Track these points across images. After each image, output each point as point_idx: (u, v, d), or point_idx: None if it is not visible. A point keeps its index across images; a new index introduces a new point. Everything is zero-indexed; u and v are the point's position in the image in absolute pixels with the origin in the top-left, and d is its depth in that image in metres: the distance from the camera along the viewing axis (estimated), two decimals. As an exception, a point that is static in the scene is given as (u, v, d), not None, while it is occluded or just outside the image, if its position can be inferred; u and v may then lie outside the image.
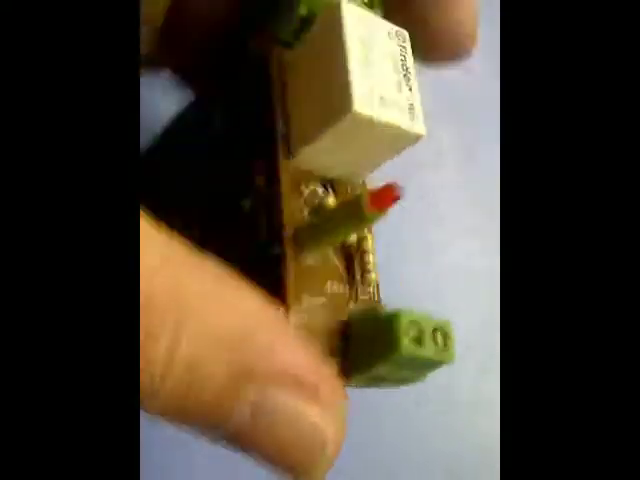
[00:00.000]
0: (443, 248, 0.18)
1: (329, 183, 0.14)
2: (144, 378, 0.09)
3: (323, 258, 0.13)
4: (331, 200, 0.14)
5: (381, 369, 0.12)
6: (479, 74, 0.21)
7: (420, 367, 0.12)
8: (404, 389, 0.13)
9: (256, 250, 0.13)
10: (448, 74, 0.16)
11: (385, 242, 0.15)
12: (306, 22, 0.14)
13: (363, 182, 0.15)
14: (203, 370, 0.10)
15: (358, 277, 0.14)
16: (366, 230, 0.14)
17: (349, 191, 0.14)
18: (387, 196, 0.11)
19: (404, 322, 0.11)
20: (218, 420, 0.10)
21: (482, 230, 0.20)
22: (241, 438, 0.10)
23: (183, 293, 0.10)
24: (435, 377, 0.13)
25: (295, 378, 0.10)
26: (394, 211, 0.12)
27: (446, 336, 0.12)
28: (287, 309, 0.12)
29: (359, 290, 0.14)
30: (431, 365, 0.12)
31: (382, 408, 0.21)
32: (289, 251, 0.13)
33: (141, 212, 0.10)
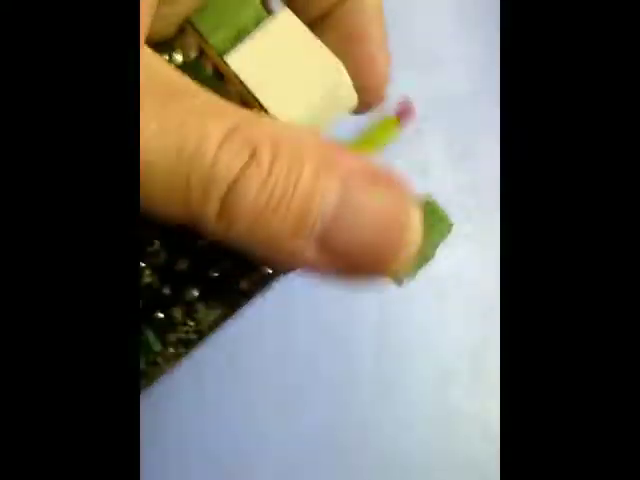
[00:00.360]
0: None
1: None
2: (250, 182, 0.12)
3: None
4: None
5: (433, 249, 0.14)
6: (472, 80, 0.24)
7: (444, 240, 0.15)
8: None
9: None
10: (441, 80, 0.18)
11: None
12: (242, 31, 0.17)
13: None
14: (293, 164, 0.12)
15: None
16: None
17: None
18: (407, 110, 0.14)
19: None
20: (306, 217, 0.12)
21: (477, 238, 0.21)
22: (326, 239, 0.12)
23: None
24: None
25: (372, 173, 0.12)
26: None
27: None
28: None
29: None
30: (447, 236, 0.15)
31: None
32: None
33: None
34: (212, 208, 0.12)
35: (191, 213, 0.12)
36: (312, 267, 0.12)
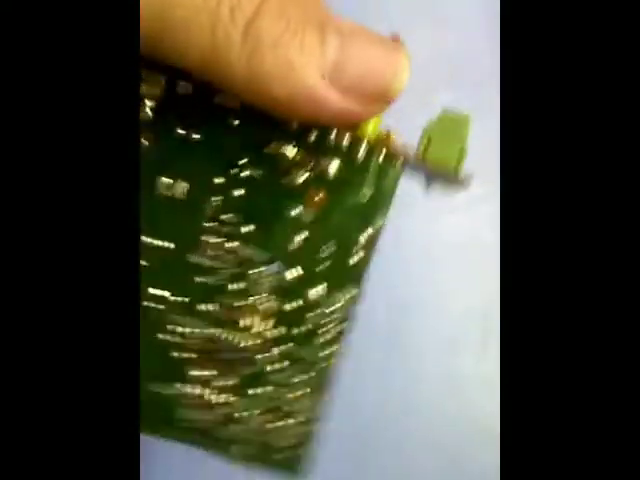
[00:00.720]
0: (439, 218, 0.18)
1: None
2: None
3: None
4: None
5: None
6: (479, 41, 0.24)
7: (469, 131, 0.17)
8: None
9: None
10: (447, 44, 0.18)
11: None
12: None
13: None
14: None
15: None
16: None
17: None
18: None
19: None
20: (319, 46, 0.14)
21: (483, 200, 0.22)
22: (336, 75, 0.14)
23: None
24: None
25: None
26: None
27: None
28: None
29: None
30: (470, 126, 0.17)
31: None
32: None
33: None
34: (238, 30, 0.13)
35: (217, 39, 0.13)
36: (328, 105, 0.14)
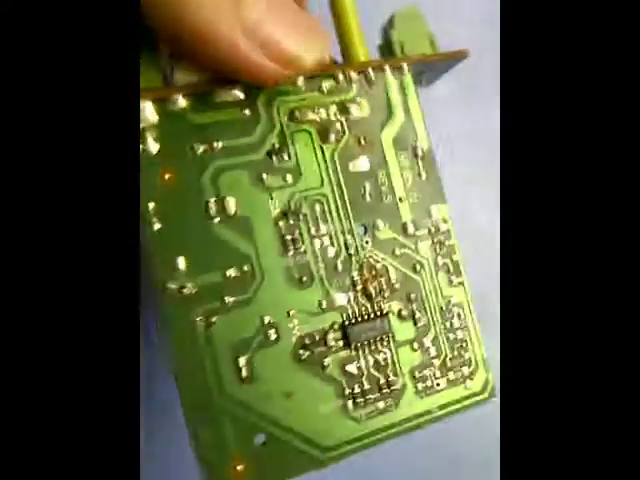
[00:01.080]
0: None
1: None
2: None
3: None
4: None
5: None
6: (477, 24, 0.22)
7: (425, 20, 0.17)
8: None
9: None
10: (447, 26, 0.17)
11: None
12: None
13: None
14: None
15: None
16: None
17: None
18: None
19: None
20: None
21: (481, 182, 0.22)
22: (256, 29, 0.13)
23: None
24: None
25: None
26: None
27: None
28: None
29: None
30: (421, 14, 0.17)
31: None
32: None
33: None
34: None
35: None
36: (242, 52, 0.13)
